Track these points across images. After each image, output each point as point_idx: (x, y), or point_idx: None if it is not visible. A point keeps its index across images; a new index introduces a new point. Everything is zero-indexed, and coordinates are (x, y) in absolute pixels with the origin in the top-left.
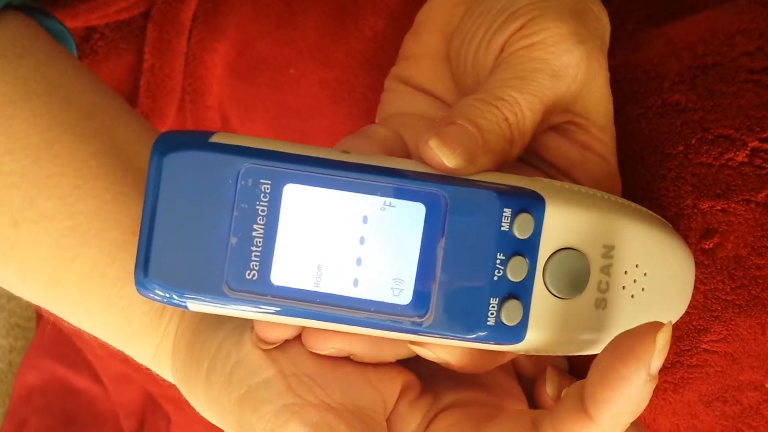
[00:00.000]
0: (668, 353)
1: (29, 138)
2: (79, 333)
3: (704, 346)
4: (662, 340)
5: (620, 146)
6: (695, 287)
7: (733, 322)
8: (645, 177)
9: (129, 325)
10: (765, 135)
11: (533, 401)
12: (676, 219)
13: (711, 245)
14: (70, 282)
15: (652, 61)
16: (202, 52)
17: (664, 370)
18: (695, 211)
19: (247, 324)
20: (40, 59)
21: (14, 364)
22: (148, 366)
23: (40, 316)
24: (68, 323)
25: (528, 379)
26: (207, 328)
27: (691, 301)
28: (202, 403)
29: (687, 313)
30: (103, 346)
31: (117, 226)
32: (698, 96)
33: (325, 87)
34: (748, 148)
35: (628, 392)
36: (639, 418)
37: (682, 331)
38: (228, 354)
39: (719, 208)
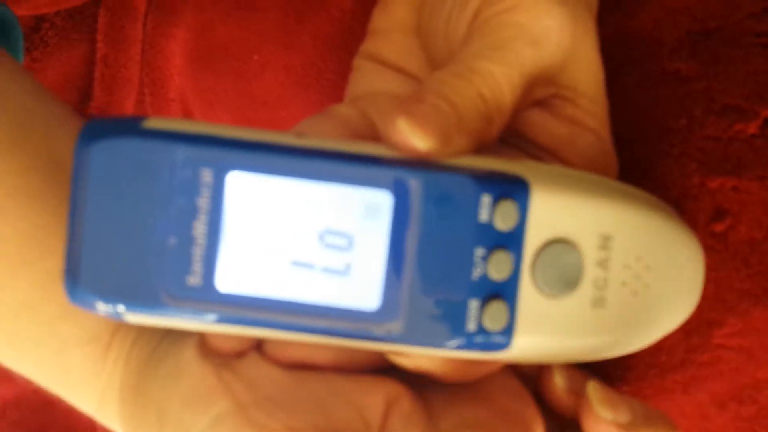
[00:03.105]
0: (677, 350)
1: None
2: None
3: (717, 341)
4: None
5: (615, 121)
6: (706, 276)
7: (748, 314)
8: (645, 155)
9: (67, 373)
10: None
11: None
12: (682, 200)
13: (722, 228)
14: None
15: (647, 28)
16: (159, 39)
17: (672, 369)
18: (703, 190)
19: (189, 351)
20: None
21: None
22: (95, 416)
23: None
24: None
25: (530, 378)
26: (151, 367)
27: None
28: None
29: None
30: None
31: (51, 254)
32: (701, 63)
33: (291, 73)
34: (761, 119)
35: None
36: None
37: (692, 325)
38: (174, 391)
39: (730, 186)
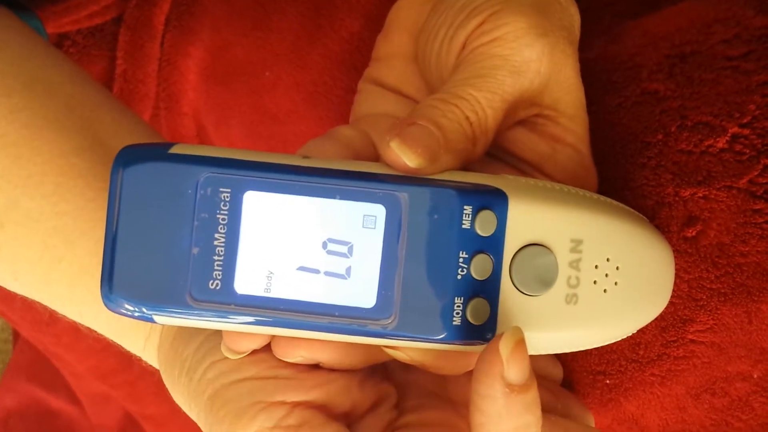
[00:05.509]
0: (654, 345)
1: (8, 135)
2: (56, 353)
3: (690, 336)
4: (506, 349)
5: (599, 136)
6: (679, 276)
7: (718, 311)
8: (625, 166)
9: (119, 322)
10: (745, 121)
11: None
12: (657, 207)
13: (694, 233)
14: (59, 282)
15: (630, 52)
16: (175, 57)
17: (650, 363)
18: (677, 199)
19: None
20: (17, 52)
21: None
22: (140, 356)
23: (17, 336)
24: (44, 345)
25: None
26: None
27: (675, 291)
28: (181, 399)
29: (672, 303)
30: (81, 363)
31: (102, 224)
32: (677, 84)
33: (302, 90)
34: (729, 135)
35: (496, 410)
36: (626, 414)
37: (667, 321)
38: (205, 354)
39: (701, 195)
